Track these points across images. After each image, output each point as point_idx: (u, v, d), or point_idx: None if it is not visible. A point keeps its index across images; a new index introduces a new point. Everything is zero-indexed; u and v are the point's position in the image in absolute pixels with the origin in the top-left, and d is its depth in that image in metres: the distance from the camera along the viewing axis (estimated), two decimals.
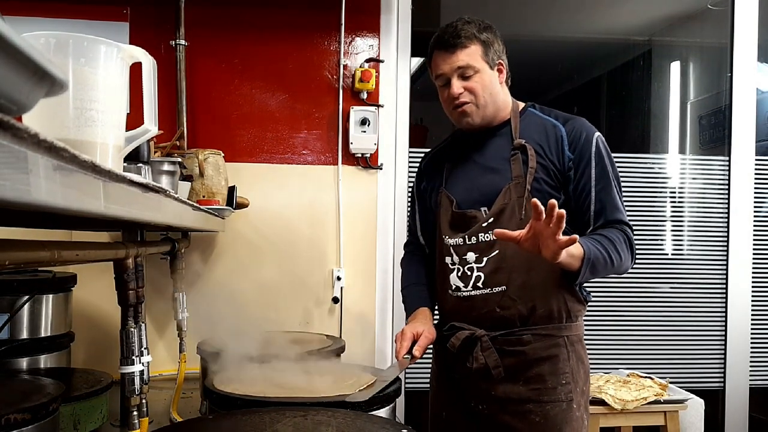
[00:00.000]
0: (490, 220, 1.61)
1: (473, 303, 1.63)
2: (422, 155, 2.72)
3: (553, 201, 1.32)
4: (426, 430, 1.84)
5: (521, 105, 1.73)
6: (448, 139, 1.86)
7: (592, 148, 1.60)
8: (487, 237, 1.61)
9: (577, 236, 1.37)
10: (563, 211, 1.32)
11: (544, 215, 1.33)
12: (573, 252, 1.44)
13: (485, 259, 1.62)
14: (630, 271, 1.68)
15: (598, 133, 1.63)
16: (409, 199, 2.58)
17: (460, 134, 1.79)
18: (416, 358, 1.61)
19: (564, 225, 1.33)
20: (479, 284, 1.62)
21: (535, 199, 1.35)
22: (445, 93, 1.66)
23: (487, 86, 1.64)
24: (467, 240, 1.64)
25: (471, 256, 1.63)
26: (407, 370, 2.64)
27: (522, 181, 1.59)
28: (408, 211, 2.65)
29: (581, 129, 1.62)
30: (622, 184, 1.68)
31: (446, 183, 1.74)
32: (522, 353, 1.60)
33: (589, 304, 1.72)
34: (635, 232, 1.65)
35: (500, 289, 1.60)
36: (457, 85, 1.62)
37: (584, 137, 1.61)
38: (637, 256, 1.64)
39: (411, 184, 2.66)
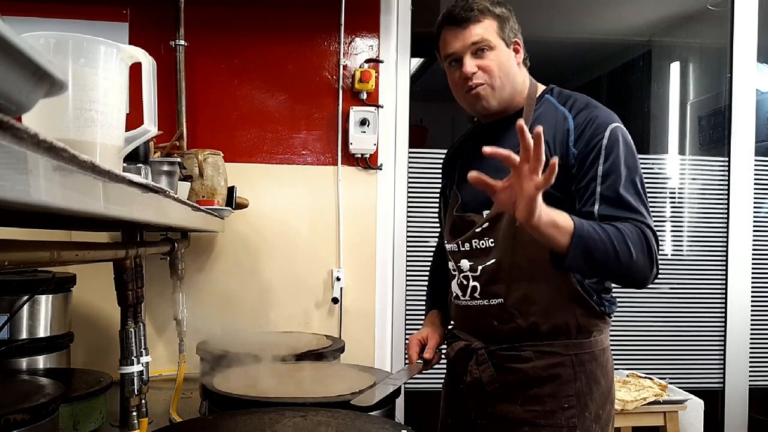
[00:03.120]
0: (485, 226, 1.46)
1: (471, 313, 1.52)
2: (422, 155, 2.74)
3: (539, 128, 1.13)
4: (426, 431, 1.84)
5: (540, 89, 1.56)
6: (468, 132, 1.74)
7: (602, 141, 1.39)
8: (482, 244, 1.47)
9: (555, 170, 1.14)
10: (540, 129, 1.12)
11: (531, 142, 1.13)
12: (558, 222, 1.25)
13: (479, 268, 1.47)
14: None
15: (615, 124, 1.42)
16: (418, 199, 2.59)
17: (478, 126, 1.66)
18: (431, 361, 1.58)
19: (543, 157, 1.13)
20: (476, 294, 1.49)
21: (520, 121, 1.15)
22: (456, 75, 1.50)
23: (503, 65, 1.47)
24: (461, 246, 1.51)
25: (465, 263, 1.51)
26: None
27: None
28: (407, 211, 2.66)
29: (593, 120, 1.42)
30: None
31: (458, 181, 1.61)
32: (521, 371, 1.45)
33: None
34: None
35: (497, 301, 1.46)
36: (470, 64, 1.45)
37: (594, 129, 1.41)
38: None
39: (411, 185, 2.68)
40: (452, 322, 1.70)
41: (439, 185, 1.78)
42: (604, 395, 1.48)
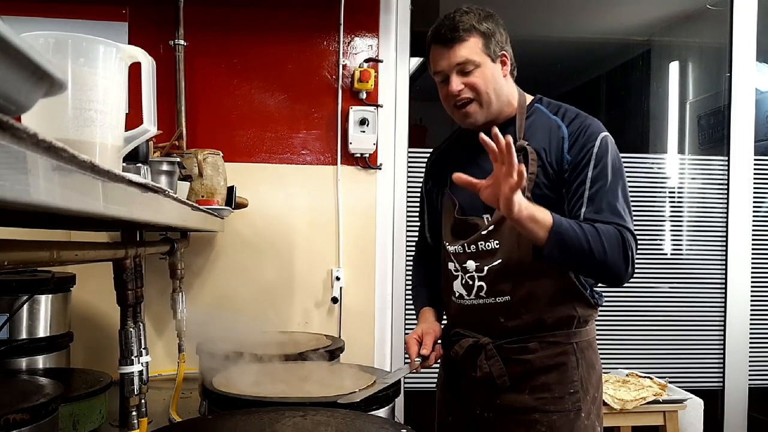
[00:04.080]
0: (491, 228, 1.53)
1: (477, 312, 1.57)
2: (422, 155, 2.74)
3: (508, 137, 1.26)
4: (426, 430, 1.84)
5: (529, 99, 1.63)
6: (454, 135, 1.77)
7: (593, 149, 1.48)
8: (488, 246, 1.53)
9: (524, 174, 1.28)
10: (510, 138, 1.26)
11: (496, 149, 1.26)
12: (537, 217, 1.35)
13: (486, 268, 1.54)
14: None
15: (604, 134, 1.51)
16: (418, 199, 2.59)
17: (465, 130, 1.69)
18: (430, 357, 1.59)
19: (516, 161, 1.26)
20: (482, 294, 1.55)
21: (481, 135, 1.28)
22: (445, 90, 1.57)
23: (489, 81, 1.53)
24: (467, 248, 1.57)
25: (471, 264, 1.56)
26: None
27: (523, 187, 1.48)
28: (407, 210, 2.66)
29: (584, 129, 1.51)
30: None
31: (451, 185, 1.62)
32: (528, 362, 1.53)
33: None
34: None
35: (504, 299, 1.53)
36: (456, 82, 1.52)
37: (585, 137, 1.50)
38: (637, 256, 1.47)
39: (410, 184, 2.68)
40: (445, 320, 1.73)
41: None
42: (598, 379, 1.60)
